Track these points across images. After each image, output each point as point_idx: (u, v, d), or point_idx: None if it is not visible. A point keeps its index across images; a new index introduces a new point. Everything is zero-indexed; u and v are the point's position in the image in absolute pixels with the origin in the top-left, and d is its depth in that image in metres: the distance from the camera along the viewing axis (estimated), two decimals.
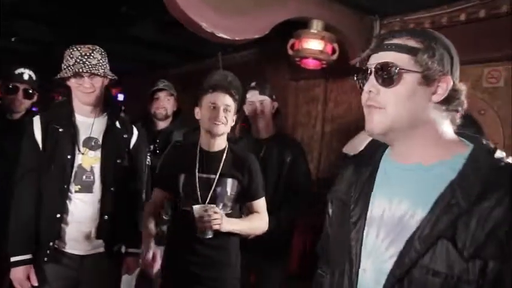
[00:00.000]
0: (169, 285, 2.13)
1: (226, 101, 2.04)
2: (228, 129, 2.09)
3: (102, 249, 2.09)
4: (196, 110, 2.12)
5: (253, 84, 2.90)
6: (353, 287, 0.99)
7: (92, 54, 1.97)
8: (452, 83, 0.93)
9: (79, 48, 1.98)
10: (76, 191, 2.00)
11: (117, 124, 2.16)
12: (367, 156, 1.08)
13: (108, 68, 2.05)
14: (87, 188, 2.03)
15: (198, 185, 2.03)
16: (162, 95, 3.06)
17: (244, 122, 3.10)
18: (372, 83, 0.96)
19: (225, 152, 2.10)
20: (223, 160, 2.07)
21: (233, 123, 2.13)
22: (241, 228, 2.05)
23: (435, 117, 0.95)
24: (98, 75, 1.99)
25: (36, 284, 1.96)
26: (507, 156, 0.93)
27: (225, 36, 2.81)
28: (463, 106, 0.97)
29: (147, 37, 4.78)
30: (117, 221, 2.10)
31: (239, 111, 4.79)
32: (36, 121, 2.02)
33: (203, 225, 1.92)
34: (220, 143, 2.10)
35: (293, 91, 4.32)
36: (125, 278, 2.38)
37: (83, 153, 2.03)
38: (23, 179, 2.00)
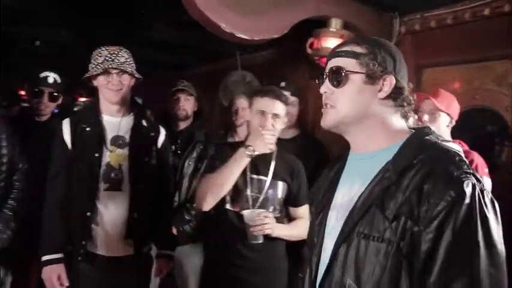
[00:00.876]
0: None
1: (276, 108, 2.01)
2: (277, 135, 2.05)
3: (132, 251, 2.09)
4: (247, 111, 2.12)
5: (283, 84, 2.89)
6: (312, 267, 1.14)
7: (120, 53, 2.03)
8: (395, 82, 1.10)
9: (107, 48, 2.04)
10: (105, 189, 2.04)
11: (144, 123, 2.19)
12: (339, 156, 1.26)
13: (135, 68, 2.08)
14: (115, 185, 2.05)
15: (250, 186, 2.01)
16: (182, 95, 3.08)
17: None
18: (326, 85, 1.15)
19: (275, 154, 2.07)
20: (274, 163, 2.05)
21: (284, 126, 2.11)
22: (290, 234, 2.04)
23: (382, 111, 1.11)
24: (126, 72, 2.03)
25: (67, 284, 1.99)
26: (444, 139, 1.09)
27: (244, 37, 2.81)
28: (408, 102, 1.13)
29: (164, 38, 4.82)
30: (147, 221, 2.11)
31: None
32: (66, 123, 2.07)
33: (255, 230, 1.90)
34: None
35: (312, 90, 4.29)
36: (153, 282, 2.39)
37: (111, 151, 2.05)
38: (53, 180, 2.04)
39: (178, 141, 2.95)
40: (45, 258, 1.98)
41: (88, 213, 2.00)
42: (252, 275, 1.98)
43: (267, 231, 1.92)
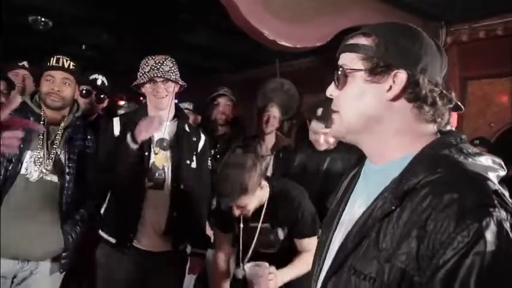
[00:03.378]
0: None
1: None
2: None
3: (169, 247, 2.16)
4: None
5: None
6: None
7: (165, 62, 2.12)
8: (406, 77, 0.84)
9: (154, 57, 2.13)
10: (149, 187, 2.11)
11: (187, 128, 2.28)
12: (358, 159, 1.03)
13: (179, 75, 2.17)
14: (159, 185, 2.13)
15: (241, 234, 1.97)
16: (222, 100, 3.12)
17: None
18: (331, 88, 0.94)
19: (265, 201, 1.93)
20: (264, 209, 1.92)
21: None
22: (296, 274, 1.88)
23: (395, 115, 0.87)
24: (170, 80, 2.13)
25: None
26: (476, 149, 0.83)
27: (286, 44, 2.82)
28: (431, 102, 0.86)
29: (204, 44, 4.91)
30: (184, 220, 2.18)
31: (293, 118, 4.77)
32: (116, 121, 2.18)
33: (256, 285, 1.81)
34: (263, 196, 1.92)
35: None
36: (185, 279, 2.44)
37: (156, 153, 2.14)
38: (101, 173, 2.13)
39: (218, 145, 2.98)
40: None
41: (138, 209, 2.08)
42: None
43: (271, 287, 1.80)
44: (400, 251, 0.74)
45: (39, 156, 2.01)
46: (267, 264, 1.85)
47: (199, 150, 2.30)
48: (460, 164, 0.77)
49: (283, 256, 1.94)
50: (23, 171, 1.97)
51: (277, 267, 1.86)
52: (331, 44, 2.94)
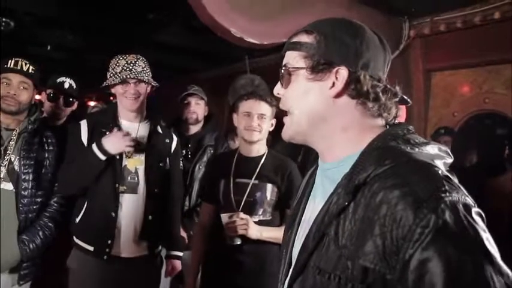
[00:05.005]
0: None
1: (261, 108, 2.04)
2: (263, 135, 2.09)
3: (146, 252, 2.14)
4: (234, 116, 2.14)
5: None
6: None
7: (137, 62, 2.07)
8: (347, 74, 0.84)
9: (125, 57, 2.08)
10: (122, 192, 2.08)
11: (159, 129, 2.25)
12: (313, 158, 1.04)
13: (151, 75, 2.14)
14: (132, 188, 2.10)
15: (232, 190, 2.05)
16: (192, 100, 3.09)
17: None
18: (277, 87, 0.94)
19: (264, 157, 2.10)
20: (261, 165, 2.07)
21: (272, 128, 2.12)
22: (276, 236, 1.97)
23: (340, 112, 0.87)
24: (143, 81, 2.08)
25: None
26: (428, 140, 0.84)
27: (253, 41, 2.83)
28: (373, 96, 0.86)
29: (174, 43, 4.86)
30: (160, 223, 2.16)
31: None
32: (83, 125, 2.11)
33: (230, 232, 1.94)
34: (259, 149, 2.11)
35: None
36: (161, 282, 2.43)
37: (128, 156, 2.10)
38: (66, 181, 2.08)
39: (189, 145, 2.97)
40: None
41: (112, 214, 2.04)
42: (244, 279, 2.00)
43: (241, 232, 1.92)
44: (365, 250, 0.72)
45: None
46: (241, 213, 1.96)
47: (172, 151, 2.28)
48: (407, 155, 0.78)
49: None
50: None
51: None
52: None
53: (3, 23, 4.47)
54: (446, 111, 3.53)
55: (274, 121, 2.11)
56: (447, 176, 0.75)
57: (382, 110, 0.87)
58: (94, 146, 1.98)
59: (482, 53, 3.06)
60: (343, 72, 0.85)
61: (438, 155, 0.81)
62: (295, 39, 0.91)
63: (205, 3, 2.59)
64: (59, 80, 2.68)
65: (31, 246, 1.99)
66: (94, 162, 1.98)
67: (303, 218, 0.96)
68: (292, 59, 0.90)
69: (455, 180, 0.77)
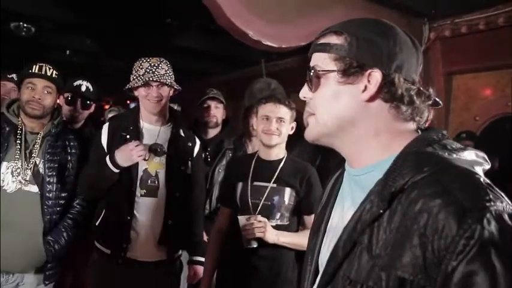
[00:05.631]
0: None
1: (280, 112, 2.01)
2: (282, 139, 2.06)
3: (164, 257, 2.11)
4: (253, 119, 2.12)
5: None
6: None
7: (160, 65, 2.06)
8: (381, 77, 0.80)
9: (148, 60, 2.07)
10: (142, 195, 2.06)
11: (181, 133, 2.23)
12: (337, 163, 0.99)
13: (174, 79, 2.13)
14: (152, 192, 2.08)
15: (249, 193, 2.03)
16: (212, 103, 3.09)
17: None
18: (304, 90, 0.90)
19: (283, 161, 2.07)
20: (280, 169, 2.04)
21: (292, 131, 2.09)
22: (295, 242, 1.95)
23: (371, 116, 0.83)
24: (165, 84, 2.07)
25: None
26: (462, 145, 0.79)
27: (271, 44, 2.83)
28: (408, 99, 0.82)
29: (191, 46, 4.90)
30: (180, 228, 2.14)
31: None
32: (105, 128, 2.12)
33: (246, 234, 1.91)
34: (278, 153, 2.08)
35: None
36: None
37: (146, 159, 2.08)
38: (87, 186, 2.09)
39: (208, 149, 2.96)
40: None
41: (128, 218, 2.03)
42: (260, 284, 1.96)
43: (258, 235, 1.89)
44: (403, 261, 0.69)
45: (16, 167, 1.97)
46: (258, 216, 1.94)
47: (194, 155, 2.25)
48: (445, 161, 0.74)
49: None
50: None
51: None
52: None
53: (25, 29, 4.57)
54: (467, 115, 3.46)
55: (294, 124, 2.08)
56: (489, 184, 0.71)
57: (415, 113, 0.83)
58: (107, 159, 1.98)
59: (505, 55, 2.99)
60: (376, 75, 0.81)
61: (476, 161, 0.77)
62: (323, 41, 0.87)
63: (222, 6, 2.60)
64: (76, 83, 2.70)
65: (56, 246, 2.02)
66: (107, 174, 1.99)
67: (329, 224, 0.92)
68: (321, 61, 0.85)
69: (496, 188, 0.72)
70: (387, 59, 0.81)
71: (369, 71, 0.81)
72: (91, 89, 2.75)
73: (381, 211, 0.74)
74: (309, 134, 0.90)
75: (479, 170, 0.75)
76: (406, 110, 0.82)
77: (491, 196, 0.67)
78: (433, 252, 0.67)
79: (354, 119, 0.84)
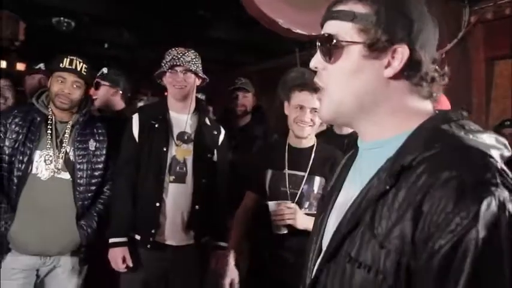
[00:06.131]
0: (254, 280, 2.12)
1: (316, 102, 1.94)
2: (315, 130, 2.03)
3: (192, 241, 2.19)
4: (286, 104, 2.07)
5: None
6: (305, 282, 0.87)
7: (187, 53, 2.16)
8: (408, 53, 0.74)
9: (176, 49, 2.17)
10: (170, 181, 2.14)
11: (207, 121, 2.30)
12: (356, 140, 0.92)
13: (201, 68, 2.20)
14: (180, 178, 2.15)
15: (279, 181, 2.01)
16: (240, 93, 3.12)
17: None
18: (317, 59, 0.82)
19: (314, 148, 2.04)
20: (313, 157, 2.02)
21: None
22: None
23: (392, 94, 0.78)
24: (190, 70, 2.14)
25: (131, 264, 2.10)
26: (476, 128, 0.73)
27: (301, 32, 2.77)
28: (430, 79, 0.78)
29: (223, 37, 4.92)
30: (207, 213, 2.20)
31: None
32: (135, 118, 2.20)
33: (276, 220, 1.91)
34: (309, 140, 2.06)
35: None
36: None
37: (177, 145, 2.16)
38: (122, 169, 2.18)
39: (237, 137, 2.98)
40: (112, 240, 2.11)
41: (157, 204, 2.10)
42: (284, 269, 1.94)
43: (289, 221, 1.88)
44: (393, 234, 0.66)
45: (48, 155, 2.05)
46: (289, 202, 1.92)
47: (219, 143, 2.32)
48: (460, 139, 0.69)
49: None
50: (33, 171, 2.02)
51: None
52: None
53: (65, 23, 4.74)
54: (510, 103, 3.27)
55: None
56: (504, 170, 0.65)
57: (434, 92, 0.79)
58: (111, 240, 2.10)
59: None
60: (403, 51, 0.75)
61: (494, 146, 0.71)
62: (344, 7, 0.78)
63: None
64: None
65: (89, 230, 2.12)
66: None
67: (336, 202, 0.88)
68: (344, 31, 0.77)
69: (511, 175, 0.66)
70: (416, 33, 0.75)
71: (395, 46, 0.75)
72: (127, 82, 2.84)
73: (387, 187, 0.70)
74: (324, 114, 0.84)
75: (495, 154, 0.69)
76: (427, 87, 0.78)
77: (498, 181, 0.62)
78: (424, 228, 0.63)
79: (375, 96, 0.78)
